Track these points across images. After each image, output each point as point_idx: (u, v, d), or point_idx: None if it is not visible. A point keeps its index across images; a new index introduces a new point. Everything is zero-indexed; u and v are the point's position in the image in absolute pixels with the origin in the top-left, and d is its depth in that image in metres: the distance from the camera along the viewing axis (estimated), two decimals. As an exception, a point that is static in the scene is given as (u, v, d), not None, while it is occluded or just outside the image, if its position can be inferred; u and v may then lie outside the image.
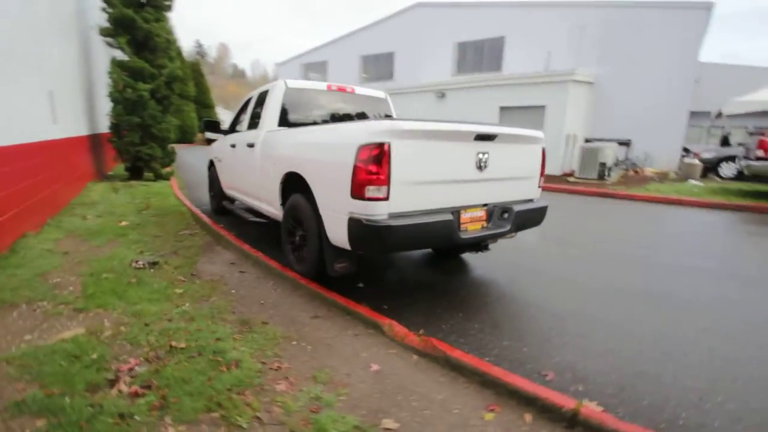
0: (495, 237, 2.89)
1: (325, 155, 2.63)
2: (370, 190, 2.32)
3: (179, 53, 16.19)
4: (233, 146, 4.69)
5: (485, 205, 2.90)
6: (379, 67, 21.73)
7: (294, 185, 3.30)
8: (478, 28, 17.79)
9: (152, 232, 4.62)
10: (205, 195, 7.35)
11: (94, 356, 1.98)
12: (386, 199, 2.33)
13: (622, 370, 2.16)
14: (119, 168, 9.86)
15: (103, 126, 8.34)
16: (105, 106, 7.98)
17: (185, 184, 8.70)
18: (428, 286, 3.34)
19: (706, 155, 14.10)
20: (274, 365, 1.99)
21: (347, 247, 2.59)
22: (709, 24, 13.83)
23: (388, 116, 4.66)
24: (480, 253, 3.18)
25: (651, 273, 3.82)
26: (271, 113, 3.92)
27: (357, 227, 2.40)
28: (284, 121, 3.93)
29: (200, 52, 76.95)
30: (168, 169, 8.86)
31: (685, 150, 15.98)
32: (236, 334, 2.28)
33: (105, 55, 8.71)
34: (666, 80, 14.01)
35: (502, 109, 14.34)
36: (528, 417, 1.70)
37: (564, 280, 3.57)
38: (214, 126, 5.27)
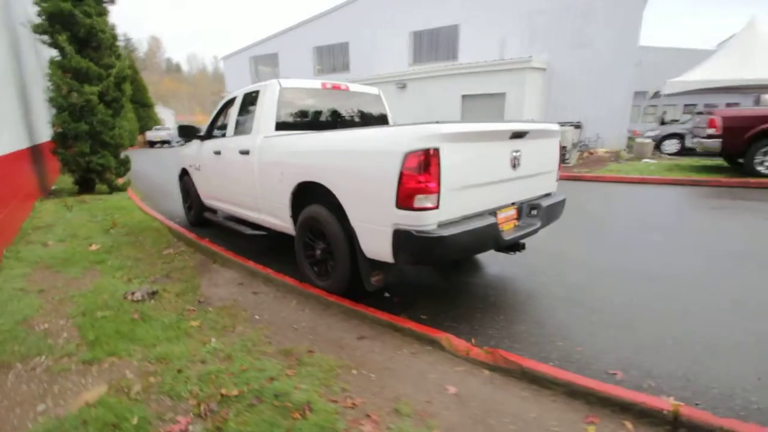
0: (529, 235, 2.85)
1: (360, 164, 2.42)
2: (420, 200, 2.17)
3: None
4: (217, 153, 4.29)
5: (514, 203, 2.85)
6: (333, 58, 21.20)
7: (308, 195, 3.07)
8: (432, 16, 17.80)
9: (131, 255, 4.14)
10: (171, 206, 6.80)
11: (135, 421, 1.68)
12: (436, 207, 2.19)
13: (677, 360, 2.20)
14: (63, 181, 8.85)
15: (43, 135, 7.39)
16: (44, 114, 7.06)
17: (145, 195, 7.98)
18: (453, 289, 3.25)
19: (650, 134, 15.19)
20: (347, 402, 1.81)
21: (389, 260, 2.43)
22: (645, 8, 14.79)
23: (381, 113, 4.48)
24: (518, 253, 3.13)
25: (651, 253, 4.00)
26: (266, 117, 3.60)
27: (405, 240, 2.24)
28: (281, 124, 3.64)
29: (129, 46, 70.99)
30: (123, 180, 8.06)
31: (627, 130, 17.11)
32: (287, 369, 2.05)
33: (37, 56, 7.68)
34: (611, 64, 14.82)
35: (464, 97, 14.53)
36: (629, 425, 1.66)
37: (584, 268, 3.63)
38: (189, 131, 4.80)
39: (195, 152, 4.98)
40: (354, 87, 4.25)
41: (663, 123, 17.40)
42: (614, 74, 14.81)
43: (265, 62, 24.70)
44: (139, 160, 14.72)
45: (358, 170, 2.43)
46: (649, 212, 6.02)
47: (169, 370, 2.06)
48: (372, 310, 2.63)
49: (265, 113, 3.61)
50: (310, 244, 3.09)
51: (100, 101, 6.82)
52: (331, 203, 2.80)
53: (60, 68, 6.47)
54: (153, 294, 3.06)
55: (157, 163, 15.82)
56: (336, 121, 4.10)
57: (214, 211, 5.10)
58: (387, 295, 3.12)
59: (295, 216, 3.25)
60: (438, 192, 2.17)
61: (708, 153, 8.11)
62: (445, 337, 2.28)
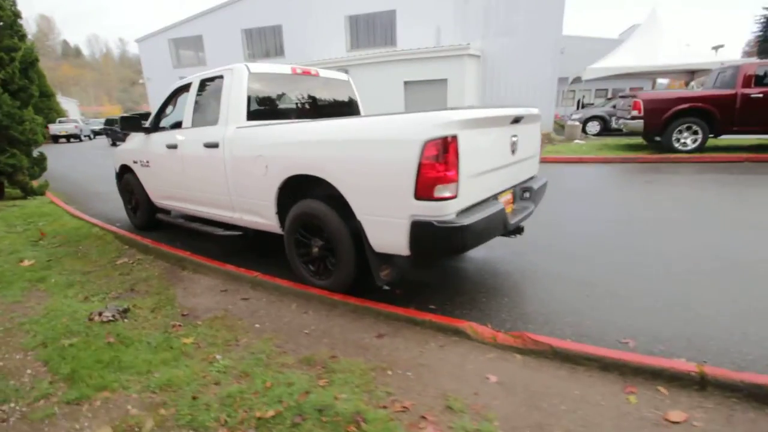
0: (527, 217, 2.92)
1: (370, 154, 2.27)
2: (440, 190, 2.10)
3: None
4: (172, 147, 3.83)
5: (511, 187, 2.89)
6: (266, 42, 20.06)
7: (297, 190, 2.86)
8: (368, 0, 17.49)
9: (78, 268, 3.59)
10: (104, 207, 6.06)
11: (164, 462, 1.45)
12: (455, 197, 2.14)
13: (671, 323, 2.41)
14: (-44, 186, 7.41)
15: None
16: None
17: (68, 197, 6.97)
18: (449, 276, 3.25)
19: (576, 116, 16.52)
20: (396, 406, 1.72)
21: (403, 253, 2.34)
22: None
23: (352, 99, 4.31)
24: (517, 236, 3.20)
25: (614, 226, 4.35)
26: (236, 106, 3.26)
27: (425, 231, 2.16)
28: (253, 113, 3.32)
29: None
30: (38, 182, 6.95)
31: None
32: (318, 380, 1.90)
33: None
34: (537, 51, 15.74)
35: (407, 83, 14.60)
36: (663, 390, 1.78)
37: (562, 249, 3.83)
38: (134, 123, 4.22)
39: (140, 147, 4.41)
40: (324, 73, 4.01)
41: (582, 107, 19.04)
42: (540, 61, 15.76)
43: (188, 45, 22.68)
44: (49, 157, 12.83)
45: (368, 161, 2.29)
46: (598, 188, 6.55)
47: (182, 398, 1.80)
48: (386, 306, 2.53)
49: (234, 101, 3.27)
50: (304, 242, 2.89)
51: (4, 91, 5.75)
52: (330, 197, 2.63)
53: (-54, 50, 5.32)
54: (125, 312, 2.67)
55: (72, 159, 13.96)
56: (310, 109, 3.86)
57: (167, 211, 4.59)
58: (386, 288, 3.03)
59: (281, 213, 3.01)
60: (457, 180, 2.12)
61: (632, 132, 9.01)
62: (468, 326, 2.27)
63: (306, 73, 3.81)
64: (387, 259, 2.53)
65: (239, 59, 20.16)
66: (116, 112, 47.82)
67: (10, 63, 5.84)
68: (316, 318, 2.55)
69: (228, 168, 3.25)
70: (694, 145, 8.22)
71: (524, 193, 3.02)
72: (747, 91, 7.62)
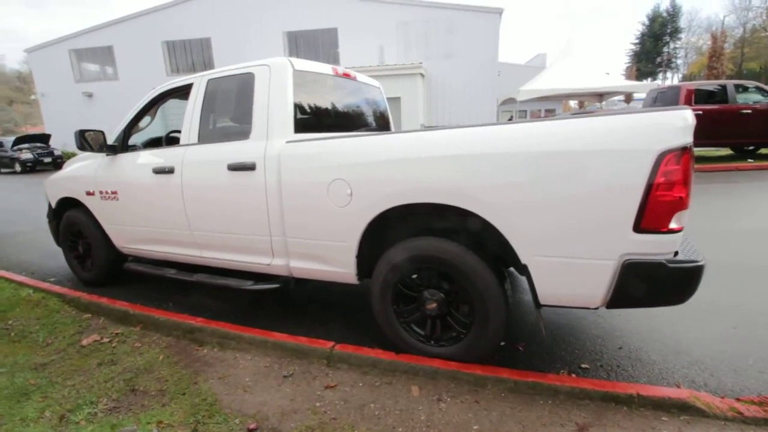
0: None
1: (557, 172, 1.60)
2: (676, 218, 1.53)
3: None
4: (165, 171, 2.76)
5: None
6: (191, 55, 18.25)
7: (396, 225, 2.10)
8: (308, 17, 16.89)
9: (22, 360, 2.34)
10: (22, 256, 4.50)
11: None
12: (682, 229, 1.58)
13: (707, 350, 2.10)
14: None
15: None
16: None
17: (-44, 244, 5.10)
18: (544, 319, 2.67)
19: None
20: None
21: (591, 304, 1.72)
22: (500, 25, 16.88)
23: (384, 109, 3.62)
24: None
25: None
26: (279, 113, 2.40)
27: (647, 274, 1.57)
28: (298, 123, 2.48)
29: None
30: None
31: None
32: None
33: None
34: (477, 73, 16.42)
35: (359, 101, 14.09)
36: None
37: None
38: (96, 140, 3.03)
39: (99, 172, 3.19)
40: (360, 77, 3.28)
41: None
42: (481, 82, 16.46)
43: (94, 57, 19.75)
44: None
45: (550, 181, 1.63)
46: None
47: None
48: (557, 378, 1.86)
49: (277, 108, 2.40)
50: (409, 296, 2.10)
51: None
52: (461, 234, 1.92)
53: None
54: (154, 441, 1.63)
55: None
56: (347, 119, 3.09)
57: (137, 259, 3.38)
58: (502, 343, 2.35)
59: (361, 257, 2.19)
60: (688, 206, 1.57)
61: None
62: (691, 396, 1.69)
63: (346, 76, 3.05)
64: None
65: (160, 73, 18.02)
66: (-9, 133, 39.96)
67: None
68: (462, 409, 1.78)
69: (272, 197, 2.34)
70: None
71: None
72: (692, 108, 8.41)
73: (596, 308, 1.74)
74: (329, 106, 2.87)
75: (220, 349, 2.39)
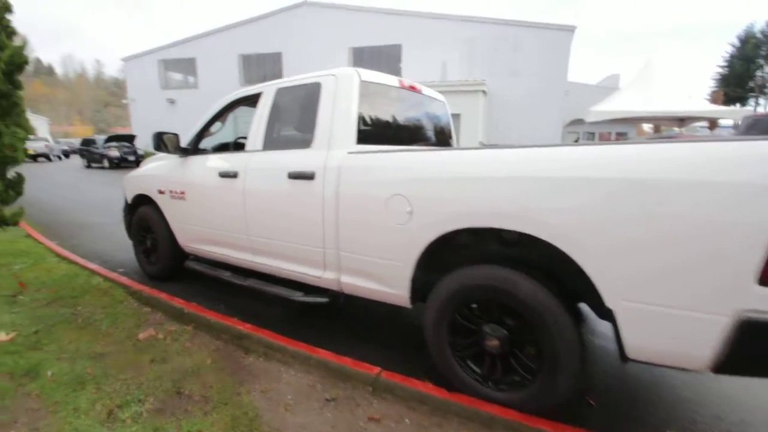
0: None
1: (661, 204, 1.36)
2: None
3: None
4: (229, 175, 2.82)
5: None
6: (263, 68, 19.40)
7: (457, 248, 1.93)
8: (374, 34, 17.34)
9: (84, 348, 2.44)
10: (97, 246, 4.85)
11: None
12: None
13: None
14: None
15: None
16: None
17: (47, 228, 5.67)
18: (610, 375, 2.32)
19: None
20: None
21: (693, 365, 1.43)
22: (572, 43, 16.18)
23: (448, 125, 3.49)
24: None
25: None
26: (342, 123, 2.35)
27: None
28: (362, 134, 2.41)
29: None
30: (11, 210, 5.62)
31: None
32: None
33: None
34: (543, 92, 15.81)
35: (418, 116, 14.10)
36: None
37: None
38: (171, 142, 3.19)
39: (171, 173, 3.36)
40: (425, 90, 3.18)
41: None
42: (547, 102, 15.81)
43: (179, 67, 21.75)
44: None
45: (657, 214, 1.39)
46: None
47: None
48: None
49: (341, 118, 2.36)
50: (467, 328, 1.91)
51: (-20, 95, 4.58)
52: (532, 265, 1.71)
53: None
54: (194, 453, 1.57)
55: (45, 182, 12.36)
56: (415, 133, 3.00)
57: (197, 258, 3.49)
58: (591, 402, 2.07)
59: (417, 281, 2.04)
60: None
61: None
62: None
63: (412, 89, 2.97)
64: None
65: (234, 83, 19.34)
66: (88, 132, 45.46)
67: (-6, 63, 4.71)
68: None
69: (329, 209, 2.27)
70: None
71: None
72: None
73: (699, 371, 1.45)
74: (393, 119, 2.79)
75: (265, 359, 2.33)
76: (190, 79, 21.90)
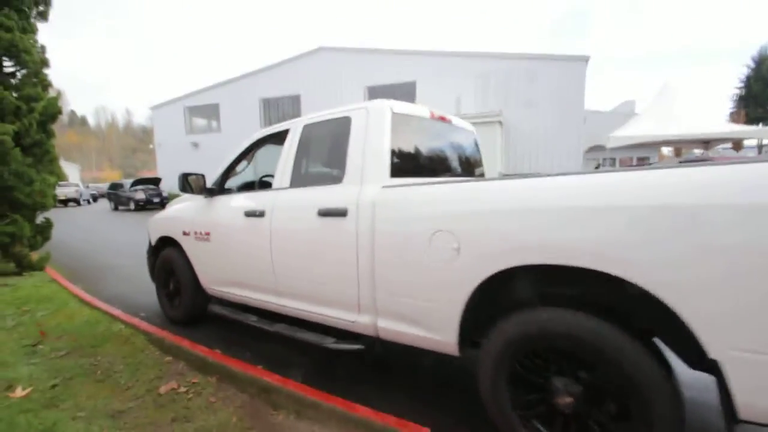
0: None
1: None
2: None
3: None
4: (256, 215, 2.71)
5: None
6: (283, 110, 20.07)
7: (511, 289, 1.71)
8: (388, 72, 17.81)
9: (102, 404, 2.25)
10: (120, 288, 4.78)
11: None
12: None
13: None
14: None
15: None
16: None
17: (72, 273, 5.66)
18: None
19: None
20: None
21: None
22: (586, 73, 16.23)
23: (478, 156, 3.35)
24: None
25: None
26: (375, 157, 2.23)
27: None
28: (394, 168, 2.28)
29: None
30: (37, 255, 5.67)
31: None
32: None
33: None
34: (561, 121, 15.75)
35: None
36: None
37: None
38: (197, 183, 3.14)
39: (196, 214, 3.28)
40: (455, 120, 3.08)
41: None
42: (565, 131, 15.69)
43: (203, 113, 22.73)
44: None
45: None
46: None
47: None
48: None
49: (373, 152, 2.24)
50: (531, 382, 1.66)
51: (15, 144, 4.73)
52: (610, 309, 1.48)
53: (-46, 95, 4.38)
54: None
55: (72, 225, 12.73)
56: (447, 164, 2.86)
57: (221, 301, 3.34)
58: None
59: (467, 326, 1.82)
60: None
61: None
62: None
63: (442, 119, 2.86)
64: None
65: (255, 126, 20.00)
66: (116, 177, 47.52)
67: (29, 114, 4.89)
68: None
69: (363, 247, 2.11)
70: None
71: None
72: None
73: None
74: (425, 150, 2.67)
75: (296, 418, 2.10)
76: (213, 123, 22.81)
